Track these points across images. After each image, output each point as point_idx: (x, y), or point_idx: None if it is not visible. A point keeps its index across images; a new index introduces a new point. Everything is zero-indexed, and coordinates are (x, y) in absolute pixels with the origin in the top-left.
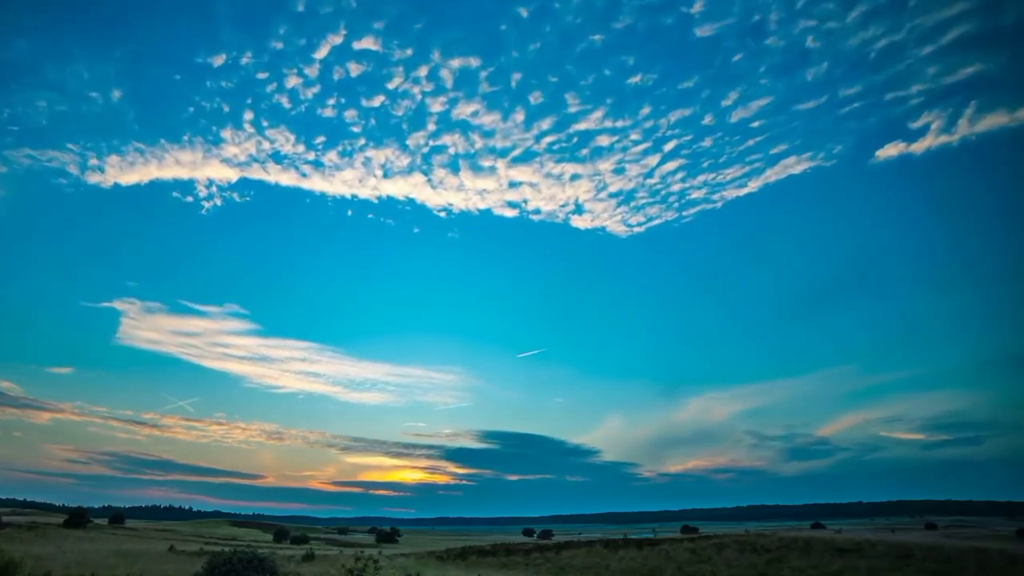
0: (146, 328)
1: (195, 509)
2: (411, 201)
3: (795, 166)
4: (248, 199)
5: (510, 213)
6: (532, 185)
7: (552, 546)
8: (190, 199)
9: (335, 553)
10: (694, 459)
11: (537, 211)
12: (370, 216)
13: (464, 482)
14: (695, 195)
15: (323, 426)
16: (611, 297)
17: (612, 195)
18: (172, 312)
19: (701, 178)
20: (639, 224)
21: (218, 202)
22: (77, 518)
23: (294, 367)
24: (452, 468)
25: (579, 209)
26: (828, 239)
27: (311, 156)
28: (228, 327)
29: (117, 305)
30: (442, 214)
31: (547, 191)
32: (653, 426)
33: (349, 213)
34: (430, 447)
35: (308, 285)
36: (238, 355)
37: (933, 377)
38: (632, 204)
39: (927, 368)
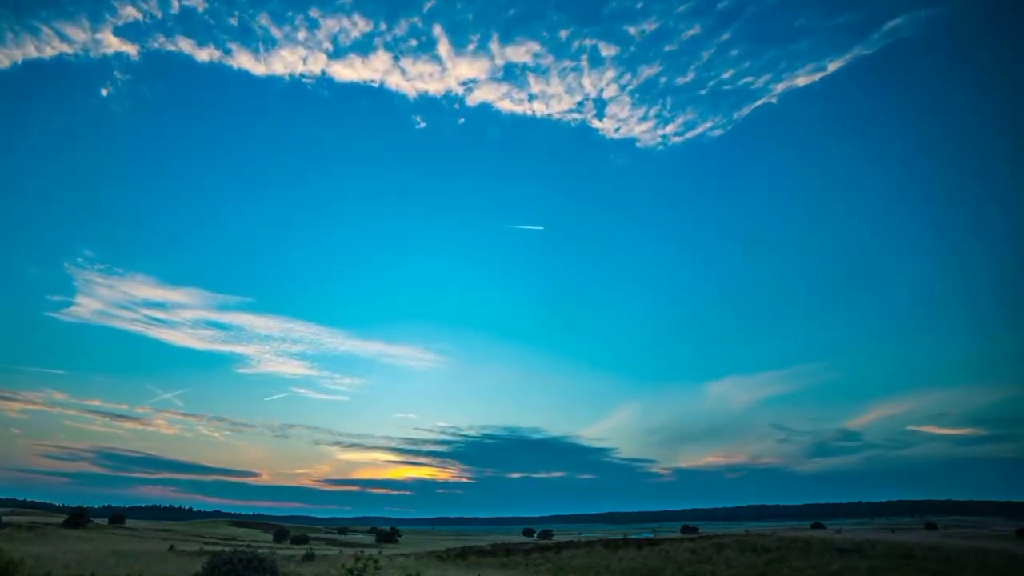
0: (99, 301)
1: (195, 509)
2: (376, 92)
3: (903, 29)
4: (160, 88)
5: (508, 108)
6: (539, 72)
7: (552, 546)
8: (93, 99)
9: (335, 553)
10: (711, 454)
11: (544, 100)
12: (323, 116)
13: (464, 479)
14: (753, 83)
15: (313, 420)
16: (632, 256)
17: (643, 86)
18: (125, 276)
19: (763, 56)
20: (676, 133)
21: (127, 104)
22: (77, 518)
23: (273, 347)
24: (451, 466)
25: (601, 110)
26: (912, 152)
27: (234, 20)
28: (192, 298)
29: (68, 269)
30: (419, 120)
31: (558, 82)
32: (671, 416)
33: (294, 113)
34: (428, 441)
35: (256, 238)
36: (209, 335)
37: (981, 364)
38: (668, 101)
39: (979, 353)
